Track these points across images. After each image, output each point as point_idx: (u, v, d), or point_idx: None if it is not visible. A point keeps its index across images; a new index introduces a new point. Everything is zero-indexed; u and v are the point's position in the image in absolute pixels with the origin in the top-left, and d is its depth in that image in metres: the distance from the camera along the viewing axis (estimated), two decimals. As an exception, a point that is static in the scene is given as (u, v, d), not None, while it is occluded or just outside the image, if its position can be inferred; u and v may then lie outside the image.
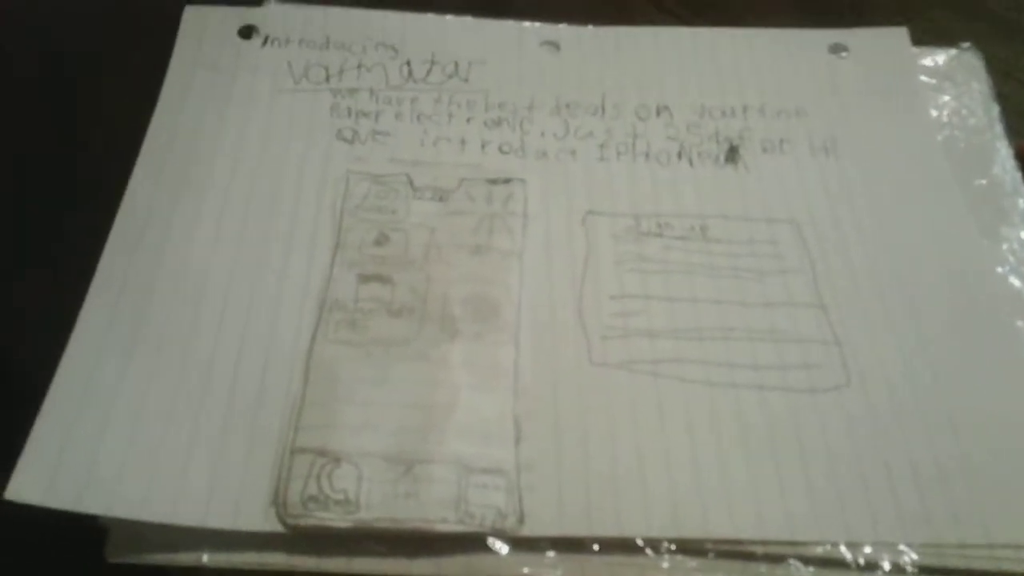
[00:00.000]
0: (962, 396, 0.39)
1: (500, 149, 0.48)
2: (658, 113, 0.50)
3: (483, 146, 0.48)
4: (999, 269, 0.44)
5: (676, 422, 0.38)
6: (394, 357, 0.39)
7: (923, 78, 0.52)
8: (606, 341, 0.41)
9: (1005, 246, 0.45)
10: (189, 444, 0.36)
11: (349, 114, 0.49)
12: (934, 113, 0.50)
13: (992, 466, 0.37)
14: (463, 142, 0.48)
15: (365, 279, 0.42)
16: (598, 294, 0.42)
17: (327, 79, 0.50)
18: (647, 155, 0.48)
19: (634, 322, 0.41)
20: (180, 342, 0.39)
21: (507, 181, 0.46)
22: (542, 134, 0.48)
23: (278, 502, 0.34)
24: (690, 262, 0.44)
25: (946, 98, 0.51)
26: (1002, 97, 0.51)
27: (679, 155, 0.48)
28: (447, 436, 0.37)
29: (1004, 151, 0.49)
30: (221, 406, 0.37)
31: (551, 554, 0.35)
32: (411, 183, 0.45)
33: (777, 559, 0.35)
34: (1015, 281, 0.44)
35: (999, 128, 0.50)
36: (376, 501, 0.35)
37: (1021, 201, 0.47)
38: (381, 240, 0.43)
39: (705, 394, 0.39)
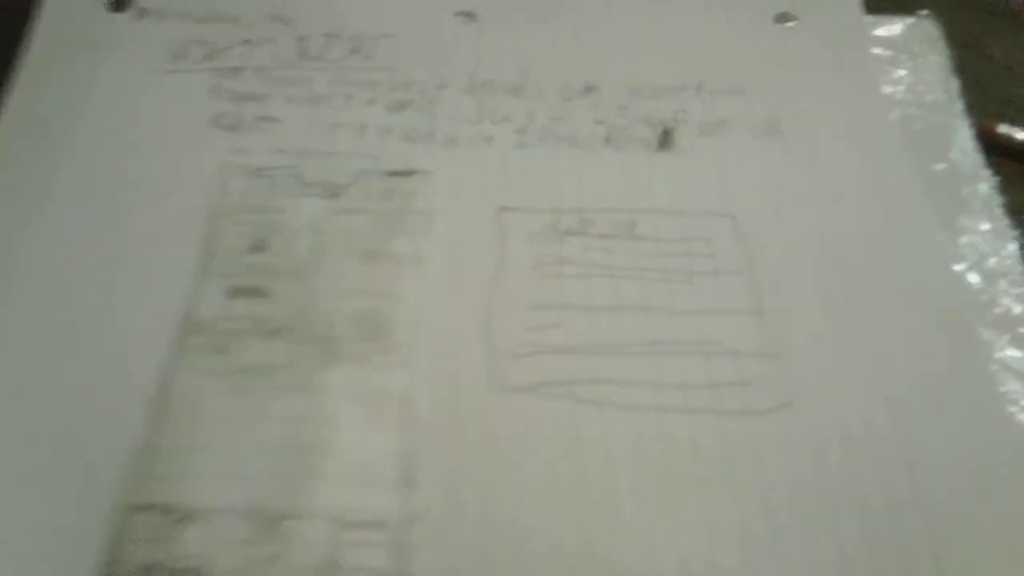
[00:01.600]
0: (918, 418, 0.35)
1: (405, 136, 0.42)
2: (585, 93, 0.44)
3: (385, 133, 0.42)
4: (958, 267, 0.39)
5: (593, 456, 0.34)
6: (265, 389, 0.34)
7: (876, 50, 0.47)
8: (517, 361, 0.36)
9: (964, 239, 0.41)
10: (3, 499, 0.31)
11: (231, 97, 0.43)
12: (888, 89, 0.45)
13: (950, 502, 0.33)
14: (362, 128, 0.42)
15: (237, 293, 0.36)
16: (510, 305, 0.37)
17: (208, 57, 0.44)
18: (571, 141, 0.43)
19: (549, 337, 0.36)
20: (8, 370, 0.33)
21: (410, 173, 0.40)
22: (453, 118, 0.43)
23: (108, 573, 0.29)
24: (614, 264, 0.39)
25: (901, 72, 0.46)
26: (962, 71, 0.46)
27: (607, 140, 0.43)
28: (321, 484, 0.32)
29: (964, 131, 0.44)
30: (47, 452, 0.32)
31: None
32: (299, 177, 0.40)
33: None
34: (975, 279, 0.39)
35: (959, 106, 0.46)
36: (229, 567, 0.30)
37: (982, 187, 0.42)
38: (259, 245, 0.37)
39: (627, 421, 0.34)
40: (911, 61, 0.46)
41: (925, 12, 0.48)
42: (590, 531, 0.32)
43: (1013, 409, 0.36)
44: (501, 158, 0.42)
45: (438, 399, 0.34)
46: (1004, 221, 0.41)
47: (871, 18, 0.47)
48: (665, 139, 0.43)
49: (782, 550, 0.32)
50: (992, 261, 0.40)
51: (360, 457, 0.33)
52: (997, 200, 0.42)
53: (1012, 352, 0.37)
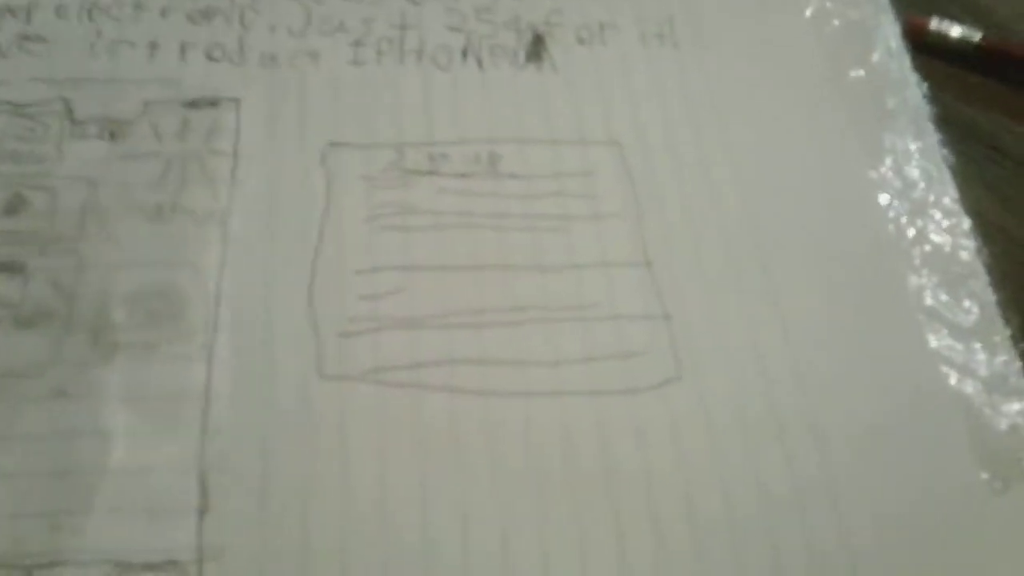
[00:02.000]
0: (830, 388, 0.29)
1: (208, 55, 0.33)
2: (437, -8, 0.36)
3: (183, 51, 0.34)
4: (881, 198, 0.33)
5: (442, 457, 0.27)
6: (18, 395, 0.26)
7: (787, -68, 0.39)
8: (346, 341, 0.28)
9: (889, 161, 0.34)
10: None
11: (-13, 11, 0.33)
12: (801, -21, 0.38)
13: (864, 486, 0.27)
14: (153, 47, 0.34)
15: (-16, 270, 0.28)
16: (339, 269, 0.30)
17: (-43, -42, 0.34)
18: (419, 54, 0.35)
19: (388, 307, 0.29)
20: None
21: (213, 103, 0.32)
22: (272, 29, 0.35)
23: None
24: (472, 210, 0.31)
25: (817, -43, 0.39)
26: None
27: (464, 53, 0.35)
28: (91, 519, 0.25)
29: (889, 28, 0.37)
30: None
31: None
32: (69, 113, 0.31)
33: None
34: (901, 211, 0.33)
35: (884, -2, 0.38)
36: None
37: (910, 96, 0.36)
38: (15, 204, 0.29)
39: (483, 411, 0.28)
40: (828, -56, 0.39)
41: None
42: (439, 552, 0.26)
43: (946, 369, 0.30)
44: (331, 79, 0.34)
45: (245, 397, 0.27)
46: (935, 137, 0.35)
47: None
48: (535, 49, 0.35)
49: (669, 555, 0.26)
50: (921, 187, 0.33)
51: (143, 480, 0.26)
52: (927, 111, 0.35)
53: (944, 298, 0.31)
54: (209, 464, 0.26)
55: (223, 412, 0.27)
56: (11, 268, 0.28)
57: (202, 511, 0.25)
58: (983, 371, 0.30)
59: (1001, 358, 0.30)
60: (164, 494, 0.26)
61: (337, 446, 0.27)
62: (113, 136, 0.31)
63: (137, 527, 0.25)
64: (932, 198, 0.33)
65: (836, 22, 0.37)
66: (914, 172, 0.34)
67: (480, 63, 0.35)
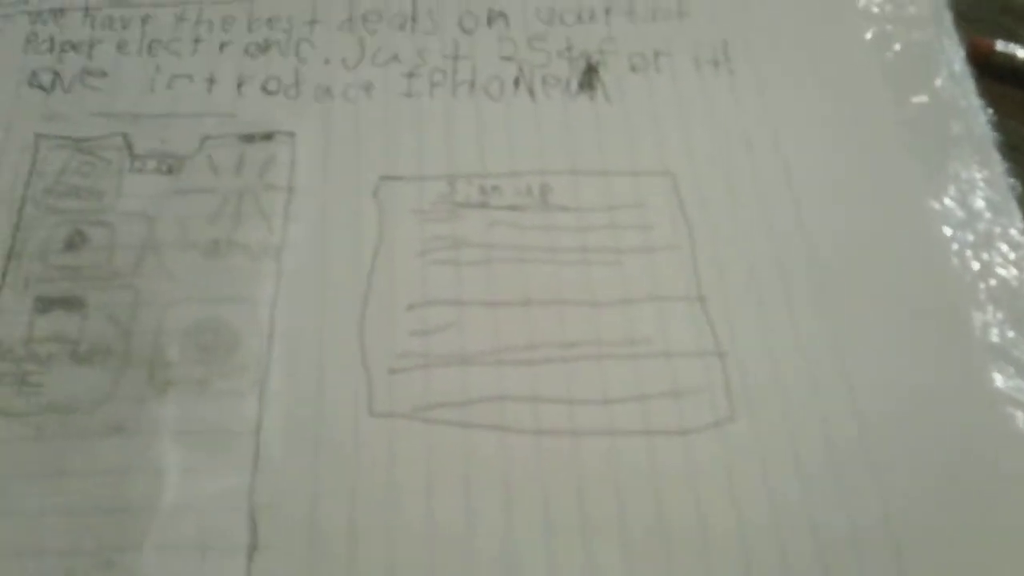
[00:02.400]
0: (893, 430, 0.28)
1: (264, 88, 0.34)
2: (490, 22, 0.36)
3: (240, 85, 0.34)
4: (945, 230, 0.32)
5: (492, 497, 0.27)
6: (75, 431, 0.27)
7: (847, -47, 0.38)
8: (396, 377, 0.29)
9: (952, 191, 0.33)
10: None
11: (51, 47, 0.34)
12: (861, 1, 0.37)
13: (926, 534, 0.26)
14: (211, 81, 0.34)
15: (46, 305, 0.29)
16: (390, 304, 0.30)
17: (24, -5, 0.35)
18: (472, 85, 0.34)
19: (439, 343, 0.29)
20: None
21: (268, 137, 0.32)
22: (326, 61, 0.35)
23: None
24: (523, 244, 0.31)
25: (878, -22, 0.38)
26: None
27: (516, 83, 0.35)
28: (143, 557, 0.25)
29: (953, 51, 0.36)
30: None
31: None
32: (129, 148, 0.32)
33: None
34: (966, 245, 0.32)
35: (947, 18, 0.37)
36: None
37: (974, 123, 0.35)
38: (75, 240, 0.30)
39: (533, 450, 0.28)
40: (890, -35, 0.38)
41: (907, -96, 0.39)
42: (487, 595, 0.25)
43: (1011, 409, 0.29)
44: (385, 111, 0.34)
45: (296, 433, 0.27)
46: (1001, 165, 0.34)
47: (841, -87, 0.38)
48: (587, 77, 0.35)
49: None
50: (986, 218, 0.32)
51: (194, 517, 0.26)
52: (992, 138, 0.34)
53: (1011, 334, 0.30)
54: (259, 501, 0.26)
55: (274, 449, 0.27)
56: (71, 304, 0.29)
57: (252, 549, 0.26)
58: (1054, 413, 0.29)
59: (1073, 399, 0.29)
60: (215, 532, 0.26)
61: (385, 485, 0.27)
62: (171, 171, 0.31)
63: (188, 565, 0.25)
64: (998, 230, 0.32)
65: (897, 46, 0.36)
66: (979, 202, 0.33)
67: (532, 93, 0.34)
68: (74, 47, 0.34)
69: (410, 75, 0.35)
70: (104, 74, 0.34)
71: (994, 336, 0.30)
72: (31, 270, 0.29)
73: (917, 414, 0.28)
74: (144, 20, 0.35)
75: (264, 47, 0.35)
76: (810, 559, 0.26)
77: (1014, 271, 0.31)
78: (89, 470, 0.26)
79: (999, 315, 0.30)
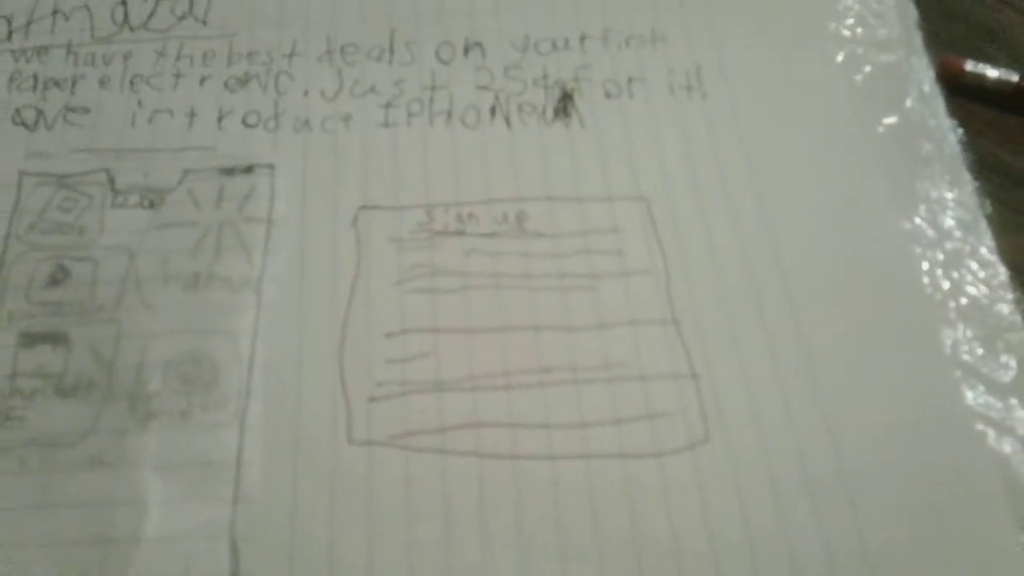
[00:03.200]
0: (867, 450, 0.28)
1: (244, 121, 0.34)
2: (467, 52, 0.37)
3: (220, 118, 0.35)
4: (915, 249, 0.32)
5: (469, 523, 0.27)
6: (58, 464, 0.27)
7: (818, -23, 0.39)
8: (374, 405, 0.29)
9: (923, 210, 0.33)
10: None
11: (35, 85, 0.35)
12: (832, 25, 0.38)
13: (902, 554, 0.27)
14: (192, 115, 0.35)
15: (30, 341, 0.29)
16: (368, 332, 0.30)
17: (8, 34, 0.36)
18: (449, 114, 0.35)
19: (416, 371, 0.30)
20: None
21: (248, 170, 0.33)
22: (305, 93, 0.35)
23: None
24: (499, 271, 0.32)
25: (848, 1, 0.38)
26: (921, -4, 0.39)
27: (493, 111, 0.35)
28: (126, 587, 0.25)
29: (923, 72, 0.37)
30: None
31: None
32: (111, 183, 0.32)
33: None
34: (936, 263, 0.32)
35: (918, 40, 0.38)
36: None
37: (944, 142, 0.35)
38: (59, 276, 0.30)
39: (510, 475, 0.28)
40: (859, -12, 0.38)
41: (875, -72, 0.40)
42: (465, 620, 0.26)
43: (982, 427, 0.29)
44: (363, 141, 0.34)
45: (276, 463, 0.28)
46: (971, 184, 0.34)
47: (810, -61, 0.39)
48: (562, 105, 0.35)
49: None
50: (956, 237, 0.33)
51: (177, 548, 0.26)
52: (962, 158, 0.35)
53: (980, 352, 0.30)
54: (240, 531, 0.27)
55: (254, 479, 0.27)
56: (55, 339, 0.29)
57: (233, 578, 0.26)
58: (1022, 429, 0.29)
59: (1041, 415, 0.29)
60: (197, 561, 0.26)
61: (364, 512, 0.27)
62: (152, 205, 0.32)
63: (169, 595, 0.26)
64: (968, 248, 0.33)
65: (868, 68, 0.37)
66: (949, 221, 0.33)
67: (508, 121, 0.35)
68: (57, 84, 0.35)
69: (388, 105, 0.35)
70: (87, 110, 0.34)
71: (965, 354, 0.30)
72: (15, 306, 0.30)
73: (890, 434, 0.29)
74: (126, 56, 0.36)
75: (244, 80, 0.35)
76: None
77: (984, 289, 0.32)
78: (72, 502, 0.27)
79: (969, 333, 0.31)
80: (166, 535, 0.26)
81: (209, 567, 0.26)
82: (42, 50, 0.36)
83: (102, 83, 0.35)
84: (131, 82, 0.35)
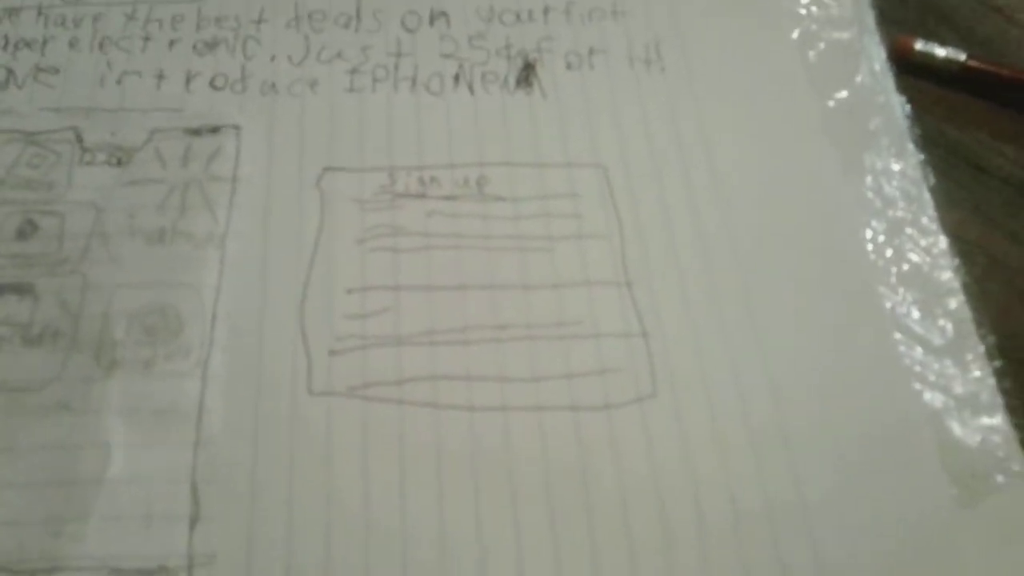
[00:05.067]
0: (806, 405, 0.30)
1: (212, 83, 0.35)
2: (431, 21, 0.37)
3: (188, 80, 0.35)
4: (860, 218, 0.34)
5: (425, 472, 0.28)
6: (24, 409, 0.28)
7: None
8: (335, 358, 0.30)
9: (869, 181, 0.35)
10: None
11: (6, 45, 0.36)
12: (788, 2, 0.39)
13: (837, 504, 0.28)
14: (160, 77, 0.35)
15: (-3, 291, 0.30)
16: (329, 288, 0.31)
17: (-21, -5, 0.36)
18: (413, 81, 0.36)
19: (376, 325, 0.31)
20: None
21: (214, 130, 0.34)
22: (272, 58, 0.36)
23: None
24: (460, 232, 0.33)
25: (805, -21, 0.40)
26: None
27: (456, 79, 0.36)
28: (90, 526, 0.26)
29: (874, 50, 0.38)
30: None
31: None
32: (79, 141, 0.33)
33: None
34: (879, 231, 0.33)
35: (870, 19, 0.39)
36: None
37: (893, 118, 0.36)
38: (26, 230, 0.31)
39: (466, 426, 0.29)
40: (814, -34, 0.40)
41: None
42: (417, 560, 0.27)
43: (918, 386, 0.30)
44: (328, 105, 0.35)
45: (237, 411, 0.29)
46: (916, 158, 0.35)
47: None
48: (525, 74, 0.36)
49: (641, 565, 0.27)
50: (900, 207, 0.34)
51: (139, 489, 0.27)
52: (909, 134, 0.36)
53: (919, 316, 0.32)
54: (201, 475, 0.28)
55: (215, 426, 0.28)
56: (21, 289, 0.30)
57: (194, 520, 0.27)
58: (956, 388, 0.30)
59: (974, 375, 0.31)
60: (158, 503, 0.27)
61: (323, 459, 0.28)
62: (120, 163, 0.33)
63: (132, 535, 0.27)
64: (911, 217, 0.34)
65: (822, 44, 0.38)
66: (894, 192, 0.34)
67: (471, 89, 0.36)
68: (28, 44, 0.36)
69: (353, 71, 0.36)
70: (56, 71, 0.35)
71: (903, 317, 0.32)
72: (-18, 258, 0.30)
73: (830, 391, 0.30)
74: (96, 18, 0.36)
75: (212, 44, 0.36)
76: (727, 528, 0.28)
77: (925, 256, 0.33)
78: (38, 446, 0.27)
79: (909, 297, 0.32)
80: (128, 477, 0.27)
81: (170, 508, 0.27)
82: (13, 11, 0.36)
83: (71, 44, 0.36)
84: (100, 44, 0.36)
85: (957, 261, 0.33)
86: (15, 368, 0.29)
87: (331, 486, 0.28)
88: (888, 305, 0.32)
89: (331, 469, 0.28)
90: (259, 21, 0.37)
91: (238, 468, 0.28)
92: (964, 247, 0.34)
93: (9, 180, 0.32)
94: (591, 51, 0.37)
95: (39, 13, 0.36)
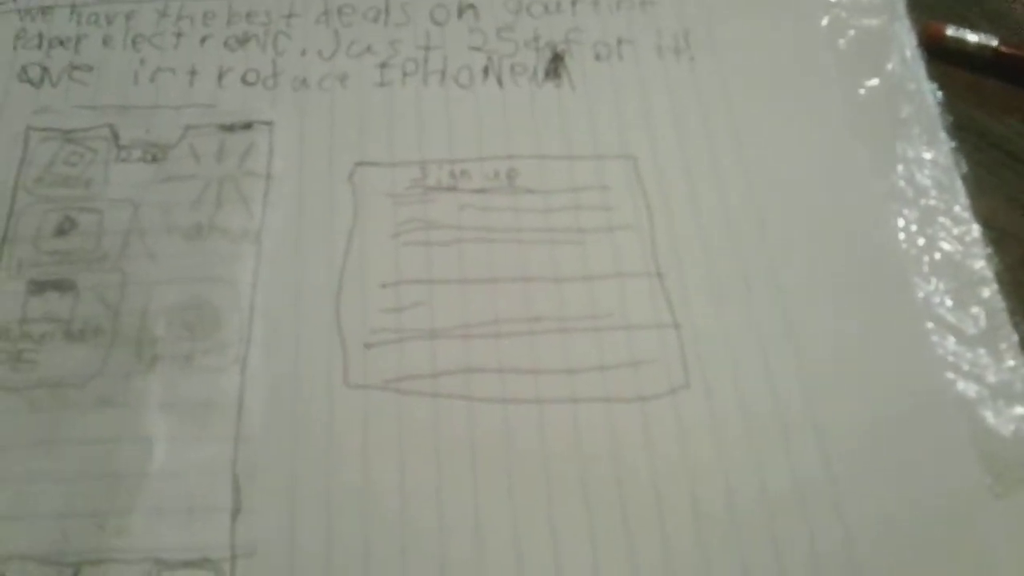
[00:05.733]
0: (837, 394, 0.30)
1: (244, 79, 0.35)
2: (460, 14, 0.38)
3: (220, 76, 0.36)
4: (892, 207, 0.34)
5: (460, 463, 0.29)
6: (67, 404, 0.29)
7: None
8: (370, 351, 0.30)
9: (900, 170, 0.35)
10: None
11: (40, 43, 0.36)
12: (817, -12, 0.39)
13: (869, 492, 0.28)
14: (193, 73, 0.36)
15: (39, 288, 0.30)
16: (364, 283, 0.32)
17: (13, -8, 0.37)
18: (443, 74, 0.36)
19: (411, 319, 0.31)
20: None
21: (247, 126, 0.34)
22: (303, 53, 0.36)
23: None
24: (491, 225, 0.33)
25: (834, -34, 0.39)
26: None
27: (485, 71, 0.36)
28: (133, 519, 0.27)
29: (906, 36, 0.38)
30: None
31: None
32: (115, 139, 0.33)
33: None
34: (911, 220, 0.33)
35: (901, 4, 0.39)
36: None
37: (925, 105, 0.36)
38: (65, 227, 0.31)
39: (500, 418, 0.29)
40: (844, -48, 0.39)
41: None
42: (455, 553, 0.27)
43: (951, 375, 0.30)
44: (359, 100, 0.35)
45: (276, 405, 0.29)
46: (948, 145, 0.35)
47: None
48: (553, 66, 0.36)
49: (676, 554, 0.27)
50: (932, 195, 0.34)
51: (179, 483, 0.28)
52: (941, 121, 0.36)
53: (952, 305, 0.32)
54: (242, 468, 0.28)
55: (255, 419, 0.29)
56: (62, 286, 0.30)
57: (235, 512, 0.27)
58: (989, 377, 0.30)
59: (1008, 364, 0.31)
60: (200, 496, 0.28)
61: (360, 451, 0.29)
62: (155, 159, 0.33)
63: (175, 527, 0.27)
64: (943, 206, 0.34)
65: (852, 32, 0.38)
66: (926, 180, 0.34)
67: (500, 81, 0.36)
68: (61, 43, 0.36)
69: (383, 65, 0.36)
70: (90, 68, 0.35)
71: (936, 306, 0.32)
72: (24, 255, 0.31)
73: (861, 379, 0.30)
74: (128, 16, 0.37)
75: (243, 40, 0.36)
76: (758, 515, 0.28)
77: (957, 245, 0.33)
78: (80, 439, 0.28)
79: (941, 286, 0.32)
80: (170, 470, 0.28)
81: (212, 500, 0.28)
82: (47, 10, 0.37)
83: (105, 42, 0.36)
84: (133, 41, 0.36)
85: (990, 250, 0.33)
86: (57, 363, 0.29)
87: (368, 478, 0.28)
88: (920, 295, 0.32)
89: (367, 461, 0.29)
90: (289, 16, 0.37)
91: (277, 461, 0.28)
92: (997, 236, 0.34)
93: (47, 178, 0.33)
94: (619, 42, 0.37)
95: (72, 11, 0.37)
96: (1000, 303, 0.32)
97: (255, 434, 0.28)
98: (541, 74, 0.36)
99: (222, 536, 0.27)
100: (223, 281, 0.31)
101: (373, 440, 0.29)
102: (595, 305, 0.31)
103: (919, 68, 0.37)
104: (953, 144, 0.35)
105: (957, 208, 0.34)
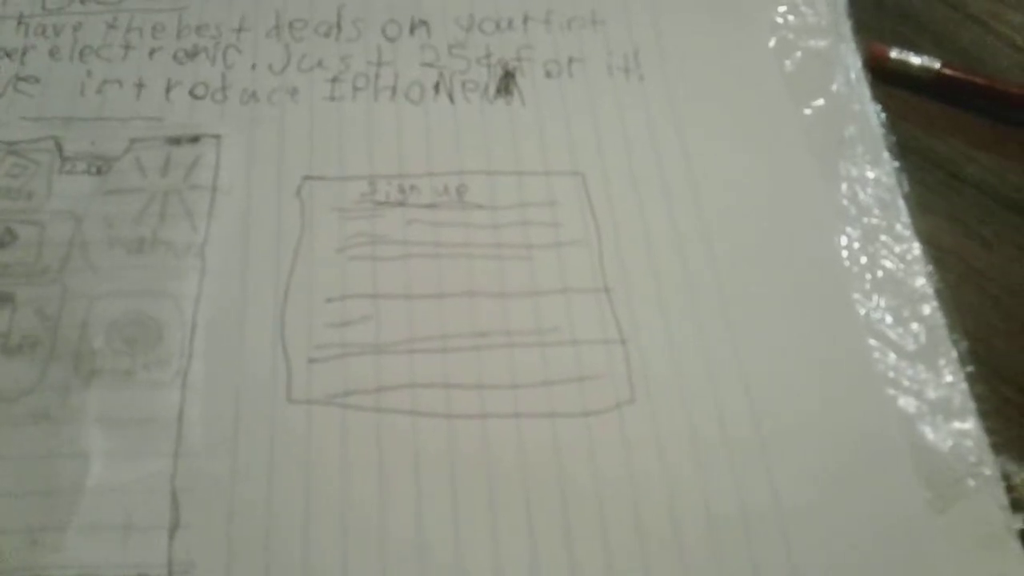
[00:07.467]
0: (781, 410, 0.30)
1: (192, 92, 0.35)
2: (412, 30, 0.38)
3: (169, 89, 0.35)
4: (836, 225, 0.34)
5: (403, 479, 0.28)
6: (2, 419, 0.28)
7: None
8: (314, 366, 0.30)
9: (844, 188, 0.35)
10: None
11: (-16, 54, 0.35)
12: (765, 11, 0.39)
13: (812, 509, 0.28)
14: (140, 86, 0.35)
15: (-25, 301, 0.30)
16: (310, 297, 0.31)
17: (-42, 4, 0.36)
18: (393, 90, 0.36)
19: (355, 334, 0.31)
20: None
21: (194, 139, 0.34)
22: (253, 67, 0.36)
23: None
24: (439, 240, 0.33)
25: (782, -12, 0.40)
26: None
27: (436, 88, 0.36)
28: (68, 535, 0.27)
29: (850, 58, 0.39)
30: None
31: None
32: (59, 151, 0.33)
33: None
34: (854, 238, 0.34)
35: (847, 27, 0.40)
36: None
37: (867, 125, 0.37)
38: (5, 239, 0.31)
39: (444, 433, 0.29)
40: (791, -25, 0.40)
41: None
42: (399, 571, 0.27)
43: (892, 391, 0.31)
44: (309, 114, 0.35)
45: (217, 420, 0.29)
46: (891, 165, 0.36)
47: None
48: (505, 83, 0.37)
49: (618, 570, 0.27)
50: (875, 214, 0.35)
51: (118, 498, 0.27)
52: (884, 141, 0.36)
53: (892, 321, 0.32)
54: (181, 484, 0.28)
55: (195, 434, 0.28)
56: (1, 299, 0.30)
57: (173, 528, 0.27)
58: (929, 393, 0.31)
59: (946, 380, 0.31)
60: (137, 512, 0.27)
61: (302, 467, 0.28)
62: (100, 172, 0.33)
63: (112, 543, 0.27)
64: (885, 224, 0.34)
65: (798, 53, 0.38)
66: (869, 199, 0.35)
67: (451, 97, 0.36)
68: (8, 54, 0.36)
69: (334, 80, 0.36)
70: (36, 80, 0.35)
71: (878, 323, 0.32)
72: (-39, 268, 0.30)
73: (805, 396, 0.30)
74: (76, 28, 0.37)
75: (192, 53, 0.36)
76: (702, 534, 0.28)
77: (899, 263, 0.33)
78: (16, 455, 0.28)
79: (882, 303, 0.33)
80: (108, 486, 0.27)
81: (150, 517, 0.27)
82: (-7, 21, 0.36)
83: (52, 54, 0.36)
84: (80, 53, 0.36)
85: (931, 267, 0.34)
86: (-6, 378, 0.29)
87: (310, 494, 0.28)
88: (862, 311, 0.32)
89: (310, 477, 0.28)
90: (240, 30, 0.37)
91: (218, 477, 0.28)
92: (938, 254, 0.34)
93: (-10, 189, 0.32)
94: (570, 60, 0.37)
95: (19, 23, 0.37)
96: (940, 320, 0.32)
97: (195, 449, 0.28)
98: (492, 91, 0.36)
99: (159, 553, 0.27)
100: (166, 295, 0.30)
101: (316, 455, 0.29)
102: (542, 320, 0.32)
103: (863, 89, 0.38)
104: (896, 164, 0.36)
105: (899, 226, 0.34)
